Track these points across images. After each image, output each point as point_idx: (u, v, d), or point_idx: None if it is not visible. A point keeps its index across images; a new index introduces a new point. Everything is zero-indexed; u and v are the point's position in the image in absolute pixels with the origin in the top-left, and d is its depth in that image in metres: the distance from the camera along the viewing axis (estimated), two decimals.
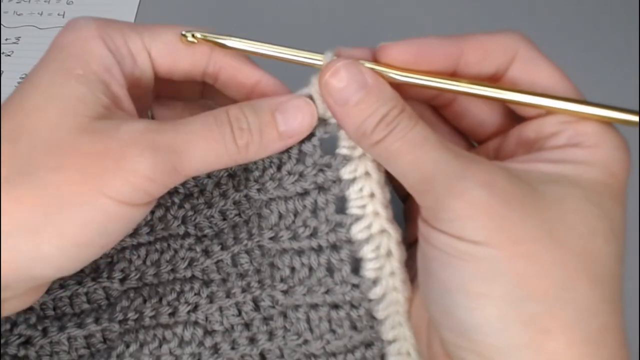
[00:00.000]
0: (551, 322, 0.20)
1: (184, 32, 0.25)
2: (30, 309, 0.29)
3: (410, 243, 0.26)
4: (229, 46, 0.25)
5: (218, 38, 0.25)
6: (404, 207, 0.28)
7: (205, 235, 0.29)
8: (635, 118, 0.21)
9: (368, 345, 0.26)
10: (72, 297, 0.30)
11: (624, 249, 0.22)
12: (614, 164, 0.22)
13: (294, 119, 0.24)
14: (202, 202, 0.29)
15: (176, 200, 0.29)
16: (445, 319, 0.22)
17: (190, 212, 0.29)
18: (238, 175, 0.29)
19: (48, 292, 0.29)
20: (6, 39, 0.45)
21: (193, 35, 0.25)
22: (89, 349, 0.29)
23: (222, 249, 0.28)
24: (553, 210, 0.21)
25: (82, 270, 0.29)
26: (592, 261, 0.20)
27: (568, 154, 0.22)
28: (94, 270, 0.30)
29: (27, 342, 0.29)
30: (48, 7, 0.46)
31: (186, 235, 0.29)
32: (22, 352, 0.28)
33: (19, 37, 0.45)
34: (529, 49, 0.24)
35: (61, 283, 0.29)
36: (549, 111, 0.23)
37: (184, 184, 0.29)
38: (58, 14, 0.46)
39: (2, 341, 0.28)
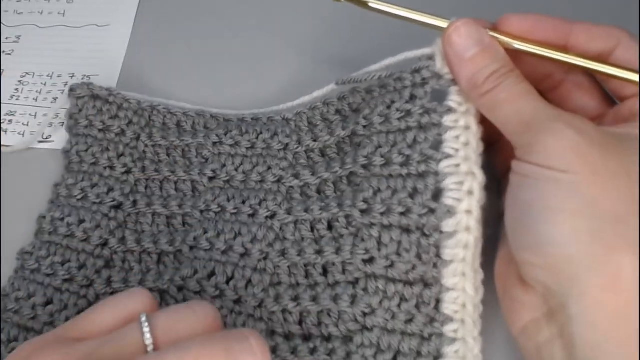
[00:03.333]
0: (619, 239, 0.23)
1: None
2: (126, 180, 0.35)
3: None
4: (371, 6, 0.30)
5: None
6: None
7: (299, 164, 0.33)
8: None
9: (427, 284, 0.28)
10: (162, 182, 0.35)
11: None
12: None
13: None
14: (310, 138, 0.33)
15: (286, 130, 0.34)
16: (525, 237, 0.25)
17: (295, 143, 0.34)
18: (349, 116, 0.33)
19: (144, 171, 0.35)
20: (6, 38, 0.45)
21: None
22: (168, 228, 0.34)
23: (312, 174, 0.32)
24: (631, 155, 0.24)
25: (175, 162, 0.35)
26: None
27: None
28: (187, 165, 0.35)
29: (119, 207, 0.34)
30: (48, 6, 0.46)
31: (283, 159, 0.33)
32: (112, 214, 0.34)
33: (19, 36, 0.45)
34: (632, 40, 0.27)
35: (156, 167, 0.35)
36: None
37: (296, 119, 0.34)
38: (58, 13, 0.46)
39: (98, 201, 0.34)
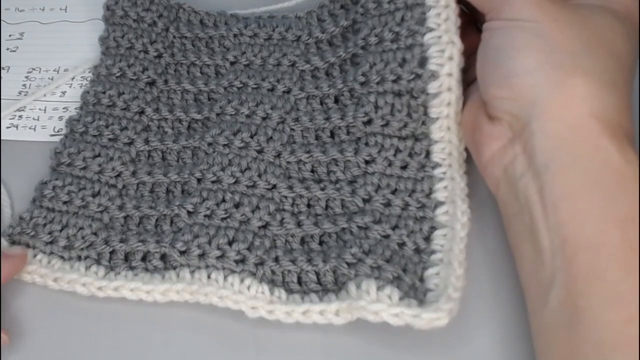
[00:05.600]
0: (574, 67, 0.27)
1: None
2: (158, 62, 0.40)
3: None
4: None
5: None
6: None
7: (310, 52, 0.39)
8: None
9: (417, 139, 0.33)
10: (189, 66, 0.40)
11: None
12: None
13: None
14: (319, 31, 0.38)
15: (299, 25, 0.39)
16: (494, 75, 0.29)
17: (306, 35, 0.38)
18: (350, 8, 0.38)
19: (173, 56, 0.40)
20: (10, 35, 0.45)
21: None
22: (196, 102, 0.39)
23: (321, 60, 0.37)
24: (587, 12, 0.29)
25: (200, 50, 0.40)
26: (610, 44, 0.28)
27: None
28: (210, 53, 0.40)
29: (153, 84, 0.39)
30: (49, 2, 0.46)
31: (297, 47, 0.39)
32: (147, 89, 0.39)
33: (23, 33, 0.45)
34: None
35: (183, 54, 0.40)
36: None
37: (306, 16, 0.39)
38: (60, 9, 0.46)
39: (135, 77, 0.39)
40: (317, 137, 0.36)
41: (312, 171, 0.35)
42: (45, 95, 0.42)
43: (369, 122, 0.34)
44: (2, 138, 0.40)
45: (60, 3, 0.46)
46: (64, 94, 0.42)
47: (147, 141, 0.37)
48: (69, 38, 0.45)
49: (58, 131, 0.40)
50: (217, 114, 0.37)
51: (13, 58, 0.44)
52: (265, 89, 0.37)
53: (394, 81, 0.32)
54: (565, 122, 0.27)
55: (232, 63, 0.39)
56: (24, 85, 0.43)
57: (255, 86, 0.37)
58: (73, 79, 0.42)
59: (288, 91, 0.37)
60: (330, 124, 0.35)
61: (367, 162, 0.34)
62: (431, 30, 0.31)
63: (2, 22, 0.46)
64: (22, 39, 0.45)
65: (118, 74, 0.39)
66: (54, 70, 0.43)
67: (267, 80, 0.37)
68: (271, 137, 0.36)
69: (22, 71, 0.43)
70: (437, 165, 0.33)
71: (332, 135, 0.36)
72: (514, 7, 0.29)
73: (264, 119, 0.36)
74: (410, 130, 0.33)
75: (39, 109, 0.41)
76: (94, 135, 0.37)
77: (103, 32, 0.41)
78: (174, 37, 0.41)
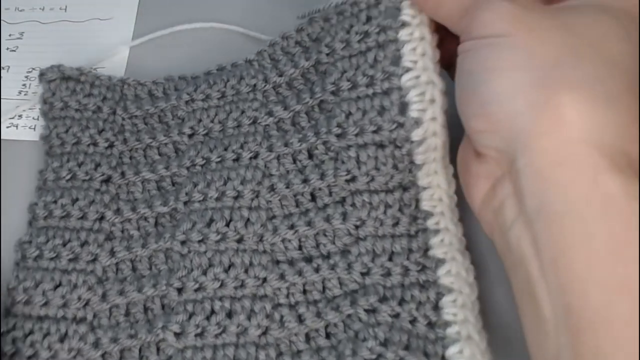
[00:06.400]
0: (559, 82, 0.22)
1: None
2: (111, 154, 0.36)
3: None
4: None
5: None
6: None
7: (270, 101, 0.34)
8: None
9: (405, 188, 0.30)
10: (145, 149, 0.36)
11: None
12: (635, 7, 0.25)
13: None
14: (275, 74, 0.34)
15: (251, 72, 0.35)
16: (470, 105, 0.25)
17: (262, 82, 0.34)
18: (310, 47, 0.34)
19: (126, 142, 0.36)
20: (10, 35, 0.45)
21: None
22: (159, 191, 0.35)
23: (284, 109, 0.34)
24: (571, 14, 0.24)
25: (154, 128, 0.36)
26: (603, 48, 0.23)
27: None
28: (165, 129, 0.36)
29: (108, 180, 0.35)
30: (49, 2, 0.46)
31: (254, 100, 0.35)
32: (103, 188, 0.35)
33: (23, 33, 0.45)
34: None
35: (137, 137, 0.36)
36: None
37: (258, 58, 0.35)
38: (60, 8, 0.46)
39: (87, 178, 0.35)
40: (297, 204, 0.32)
41: (300, 247, 0.32)
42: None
43: (352, 179, 0.31)
44: (2, 138, 0.40)
45: (60, 3, 0.46)
46: None
47: (112, 253, 0.33)
48: (69, 38, 0.45)
49: None
50: (185, 203, 0.33)
51: (13, 58, 0.44)
52: (230, 160, 0.33)
53: (375, 132, 0.29)
54: (553, 154, 0.22)
55: (190, 136, 0.35)
56: (24, 85, 0.42)
57: (218, 159, 0.34)
58: None
59: (255, 156, 0.33)
60: (310, 186, 0.32)
61: (357, 227, 0.31)
62: (408, 70, 0.29)
63: (2, 21, 0.46)
64: (22, 38, 0.45)
65: (68, 177, 0.35)
66: None
67: (230, 149, 0.34)
68: (248, 220, 0.32)
69: (22, 71, 0.43)
70: (428, 215, 0.30)
71: (314, 197, 0.32)
72: (484, 22, 0.24)
73: (235, 198, 0.32)
74: (398, 181, 0.30)
75: (39, 109, 0.41)
76: (51, 259, 0.33)
77: (43, 129, 0.37)
78: (124, 119, 0.37)
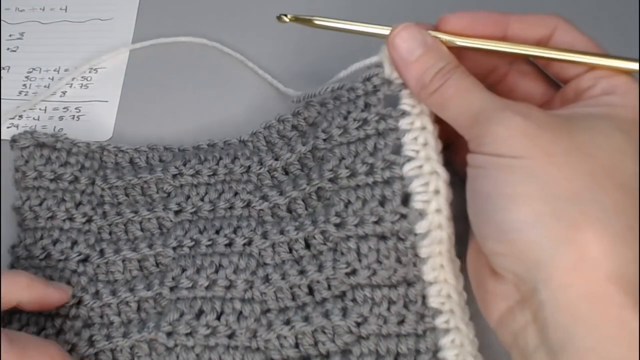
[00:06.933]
0: (581, 217, 0.22)
1: (279, 15, 0.31)
2: (89, 230, 0.33)
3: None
4: (316, 23, 0.31)
5: (306, 17, 0.31)
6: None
7: (265, 185, 0.33)
8: None
9: (410, 283, 0.28)
10: (126, 224, 0.33)
11: None
12: None
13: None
14: (271, 157, 0.33)
15: (246, 152, 0.33)
16: (487, 227, 0.25)
17: (257, 165, 0.33)
18: (306, 131, 0.33)
19: (105, 217, 0.33)
20: (10, 35, 0.45)
21: (286, 16, 0.31)
22: (142, 272, 0.32)
23: (280, 194, 0.32)
24: (584, 133, 0.24)
25: (136, 201, 0.34)
26: (620, 173, 0.23)
27: (602, 100, 0.26)
28: (149, 203, 0.33)
29: (86, 260, 0.32)
30: (50, 2, 0.46)
31: (248, 182, 0.33)
32: (80, 269, 0.32)
33: (23, 33, 0.45)
34: (567, 24, 0.28)
35: (117, 211, 0.33)
36: (590, 67, 0.27)
37: (252, 139, 0.34)
38: (60, 9, 0.46)
39: (63, 257, 0.32)
40: (293, 297, 0.30)
41: (297, 345, 0.29)
42: (54, 93, 0.41)
43: (353, 272, 0.29)
44: (2, 138, 0.40)
45: (60, 3, 0.46)
46: (64, 94, 0.42)
47: (91, 342, 0.30)
48: (69, 38, 0.45)
49: (58, 131, 0.40)
50: (171, 288, 0.30)
51: (13, 58, 0.44)
52: (222, 245, 0.31)
53: (376, 222, 0.28)
54: (579, 291, 0.22)
55: (176, 212, 0.32)
56: (24, 85, 0.42)
57: (209, 243, 0.31)
58: (73, 79, 0.42)
59: (249, 243, 0.31)
60: (307, 278, 0.29)
61: (358, 325, 0.28)
62: (410, 159, 0.27)
63: (2, 22, 0.46)
64: (22, 39, 0.45)
65: (42, 256, 0.32)
66: (54, 70, 0.43)
67: (222, 233, 0.31)
68: (241, 313, 0.29)
69: (22, 71, 0.43)
70: (437, 313, 0.28)
71: (311, 291, 0.30)
72: (497, 139, 0.24)
73: (227, 288, 0.30)
74: (401, 276, 0.28)
75: (39, 109, 0.41)
76: None
77: (15, 200, 0.34)
78: (103, 189, 0.34)
